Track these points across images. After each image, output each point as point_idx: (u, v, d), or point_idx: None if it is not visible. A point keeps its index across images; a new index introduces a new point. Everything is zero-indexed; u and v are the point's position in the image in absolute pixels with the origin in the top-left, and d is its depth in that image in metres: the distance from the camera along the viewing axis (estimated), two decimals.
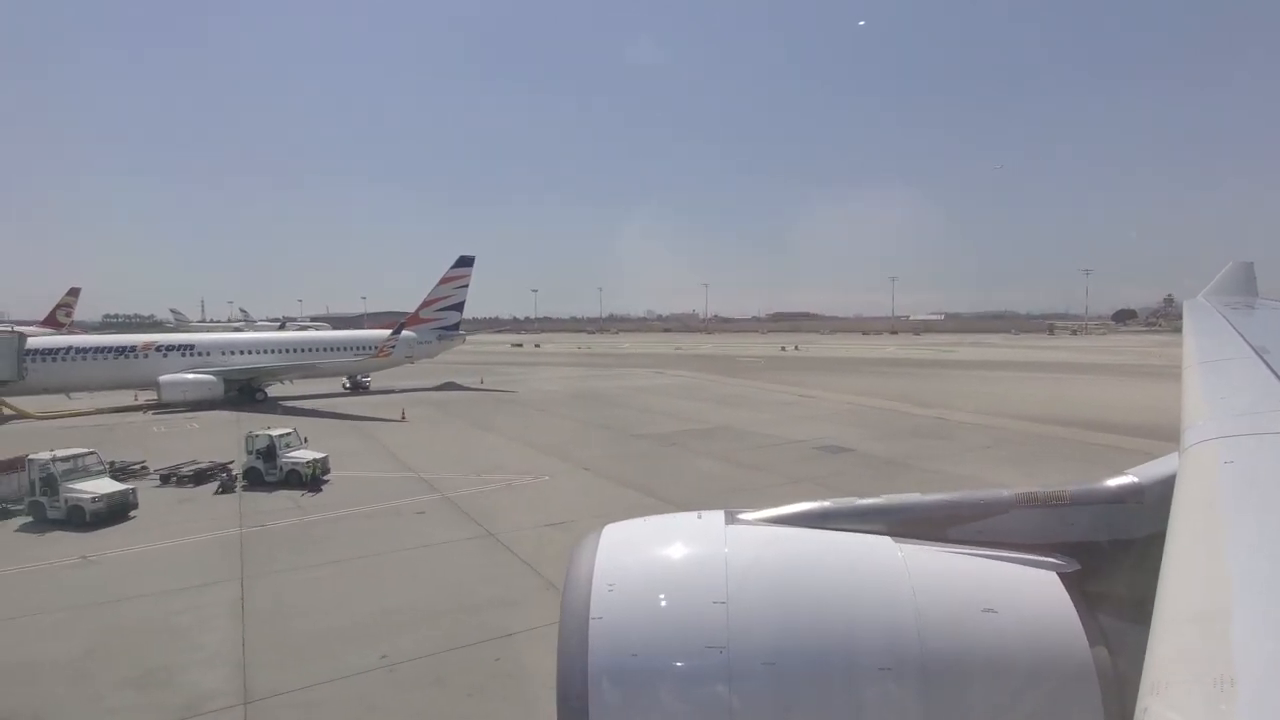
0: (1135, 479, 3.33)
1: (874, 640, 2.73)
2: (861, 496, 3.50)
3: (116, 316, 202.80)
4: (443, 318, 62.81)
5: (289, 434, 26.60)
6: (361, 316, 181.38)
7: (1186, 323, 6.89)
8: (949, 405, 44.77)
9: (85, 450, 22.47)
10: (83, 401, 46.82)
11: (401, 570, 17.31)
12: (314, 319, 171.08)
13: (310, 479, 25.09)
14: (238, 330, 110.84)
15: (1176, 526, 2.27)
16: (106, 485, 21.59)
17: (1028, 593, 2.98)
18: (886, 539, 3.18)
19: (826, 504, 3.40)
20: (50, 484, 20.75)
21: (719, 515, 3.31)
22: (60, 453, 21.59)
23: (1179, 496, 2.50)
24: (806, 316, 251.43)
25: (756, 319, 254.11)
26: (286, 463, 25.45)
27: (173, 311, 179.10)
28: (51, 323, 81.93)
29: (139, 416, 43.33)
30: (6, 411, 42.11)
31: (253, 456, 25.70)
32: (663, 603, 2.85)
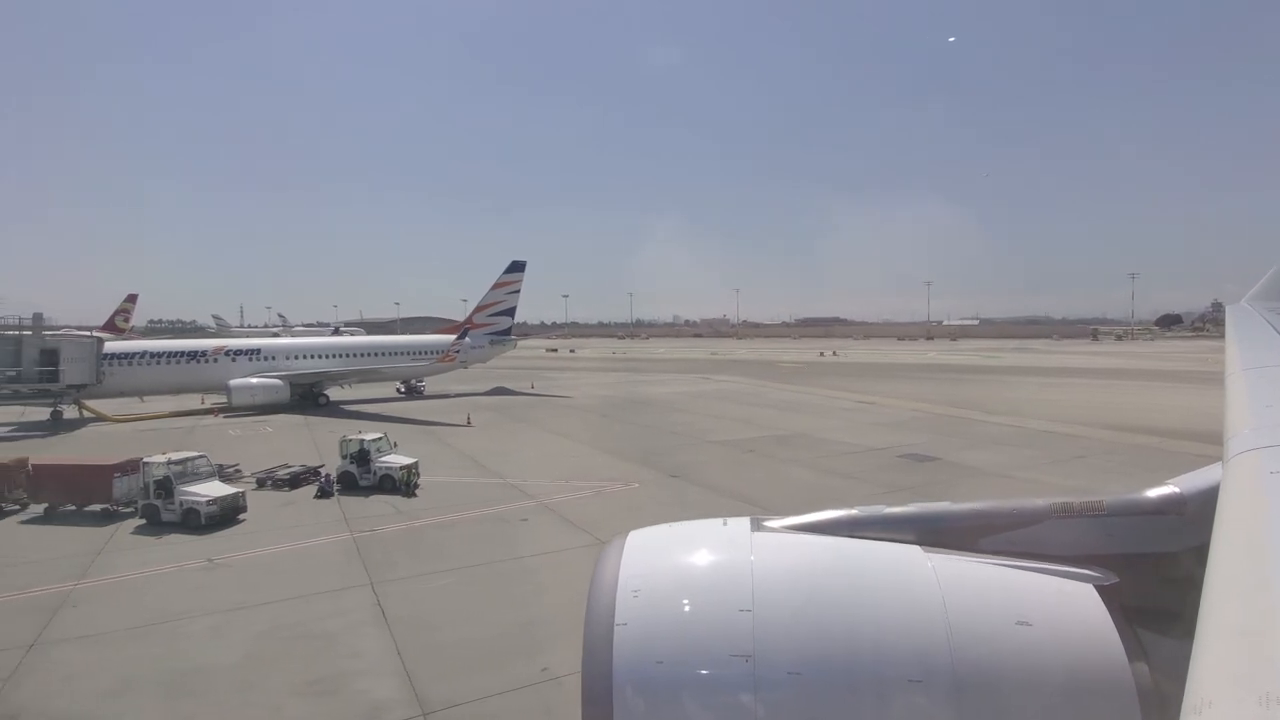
0: (1176, 489, 3.23)
1: (903, 651, 2.66)
2: (890, 505, 3.38)
3: (160, 322, 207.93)
4: (495, 323, 63.16)
5: (380, 439, 26.68)
6: (395, 322, 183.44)
7: (1230, 329, 6.68)
8: (1019, 412, 43.68)
9: (196, 454, 22.72)
10: (154, 404, 47.80)
11: (527, 579, 17.13)
12: (347, 324, 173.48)
13: (404, 484, 25.12)
14: (275, 335, 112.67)
15: (1220, 538, 2.20)
16: (218, 488, 21.78)
17: (1063, 606, 2.88)
18: (916, 548, 3.09)
19: (854, 512, 3.35)
20: (165, 487, 20.96)
21: (745, 522, 3.28)
22: (174, 456, 21.82)
23: (1223, 507, 2.44)
24: (836, 321, 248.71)
25: (786, 324, 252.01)
26: (380, 467, 25.52)
27: (214, 317, 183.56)
28: (110, 328, 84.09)
29: (211, 419, 44.02)
30: (86, 414, 43.05)
31: (346, 461, 25.83)
32: (687, 609, 2.81)
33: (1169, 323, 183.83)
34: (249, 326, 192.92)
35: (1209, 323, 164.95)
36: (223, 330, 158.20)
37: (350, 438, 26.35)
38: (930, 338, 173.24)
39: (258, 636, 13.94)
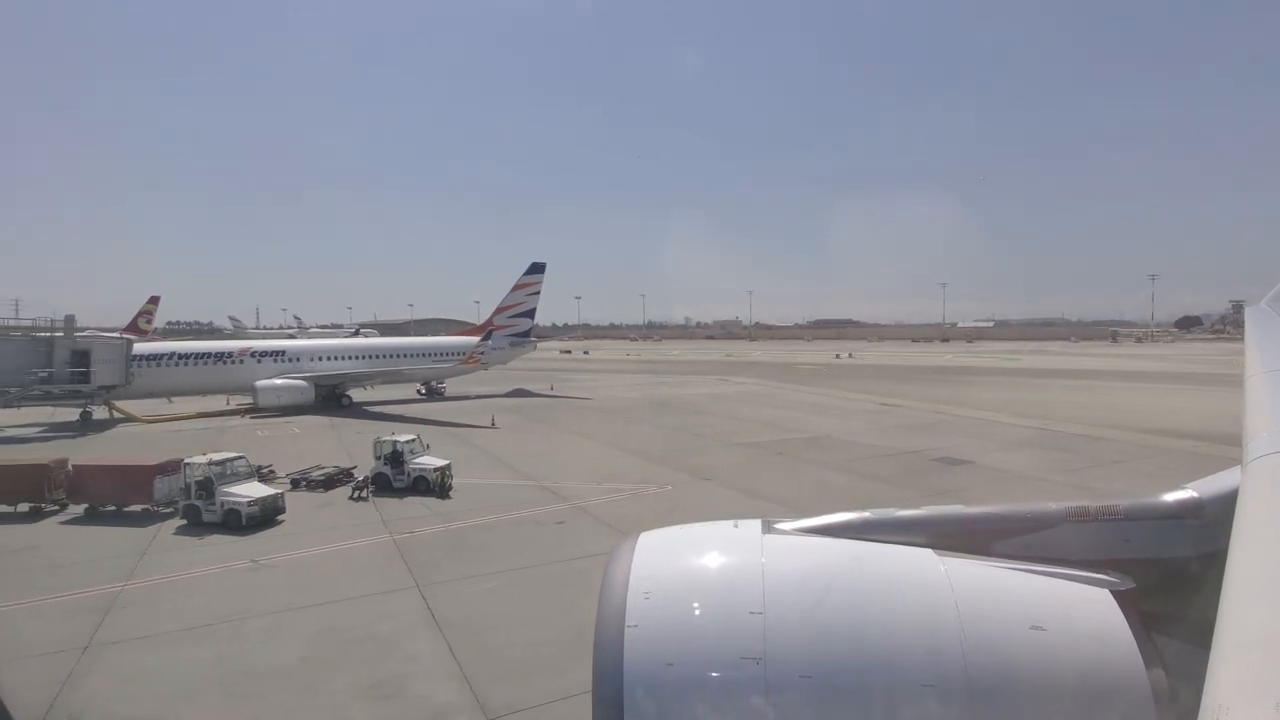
0: (1194, 493, 3.22)
1: (916, 655, 2.65)
2: (901, 508, 3.38)
3: (178, 323, 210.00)
4: (515, 324, 63.32)
5: (414, 440, 26.72)
6: (409, 323, 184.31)
7: (1248, 330, 6.56)
8: (1047, 415, 43.20)
9: (235, 454, 22.83)
10: (180, 405, 48.23)
11: (574, 582, 16.97)
12: (362, 326, 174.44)
13: (438, 485, 25.12)
14: (291, 336, 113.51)
15: (1239, 544, 2.19)
16: (258, 489, 21.86)
17: (1079, 611, 2.85)
18: (929, 552, 3.07)
19: (866, 514, 3.34)
20: (206, 488, 21.06)
21: (756, 524, 3.28)
22: (214, 456, 21.92)
23: (1242, 512, 2.43)
24: (849, 323, 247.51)
25: (799, 326, 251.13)
26: (414, 469, 25.55)
27: (231, 319, 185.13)
28: (133, 330, 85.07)
29: (238, 420, 44.34)
30: (116, 415, 43.48)
31: (380, 462, 25.88)
32: (698, 612, 2.81)
33: (1188, 324, 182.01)
34: (265, 328, 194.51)
35: (1229, 324, 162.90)
36: (239, 332, 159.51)
37: (384, 439, 26.41)
38: (946, 340, 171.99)
39: (311, 638, 13.92)
